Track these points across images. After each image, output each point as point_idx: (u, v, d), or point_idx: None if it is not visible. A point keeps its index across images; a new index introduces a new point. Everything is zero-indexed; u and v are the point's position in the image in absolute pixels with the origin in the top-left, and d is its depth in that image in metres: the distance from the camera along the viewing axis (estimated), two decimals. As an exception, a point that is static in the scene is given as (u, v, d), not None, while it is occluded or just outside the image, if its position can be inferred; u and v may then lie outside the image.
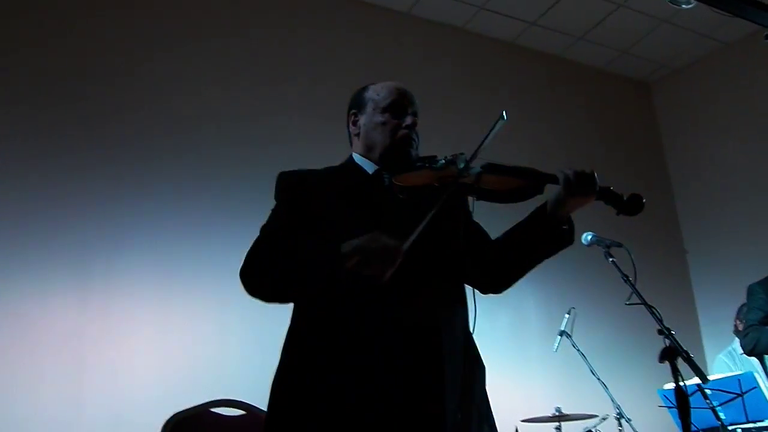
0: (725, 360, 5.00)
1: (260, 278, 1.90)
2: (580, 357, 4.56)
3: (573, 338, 4.66)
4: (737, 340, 5.08)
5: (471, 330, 1.98)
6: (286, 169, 2.12)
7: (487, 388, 1.95)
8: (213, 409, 2.82)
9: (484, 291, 2.08)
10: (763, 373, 4.44)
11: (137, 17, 5.01)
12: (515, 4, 6.18)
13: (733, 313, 5.29)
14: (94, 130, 4.55)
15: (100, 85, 4.66)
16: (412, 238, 1.74)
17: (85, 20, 4.81)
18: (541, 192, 1.92)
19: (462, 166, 1.90)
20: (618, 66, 7.14)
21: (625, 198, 1.88)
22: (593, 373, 4.47)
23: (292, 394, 1.81)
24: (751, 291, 4.05)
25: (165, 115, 4.81)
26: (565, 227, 1.93)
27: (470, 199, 2.03)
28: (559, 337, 4.75)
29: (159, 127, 4.77)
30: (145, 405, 4.00)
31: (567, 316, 4.76)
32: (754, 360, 4.54)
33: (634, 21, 6.43)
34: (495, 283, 2.08)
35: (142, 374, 4.20)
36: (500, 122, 1.82)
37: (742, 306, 5.08)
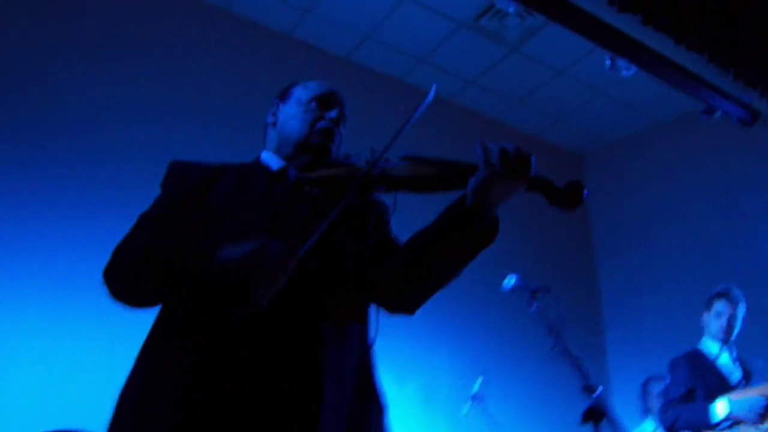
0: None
1: (124, 281, 1.64)
2: (491, 424, 4.30)
3: (486, 402, 4.40)
4: (648, 419, 4.92)
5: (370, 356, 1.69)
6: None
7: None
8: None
9: (391, 309, 1.78)
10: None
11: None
12: (454, 59, 6.07)
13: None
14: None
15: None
16: (306, 246, 1.46)
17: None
18: (464, 185, 1.60)
19: (376, 156, 1.65)
20: (552, 134, 7.10)
21: (561, 187, 1.55)
22: (504, 442, 4.21)
23: (136, 421, 1.49)
24: (674, 365, 3.88)
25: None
26: (487, 222, 1.61)
27: (387, 198, 1.76)
28: (470, 401, 4.49)
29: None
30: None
31: (480, 378, 4.52)
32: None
33: (571, 91, 6.41)
34: (402, 298, 1.77)
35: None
36: (426, 103, 1.58)
37: (647, 381, 4.94)
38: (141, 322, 1.71)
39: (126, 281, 1.63)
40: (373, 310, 1.75)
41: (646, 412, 5.02)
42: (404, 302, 1.78)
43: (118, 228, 1.76)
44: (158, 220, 1.71)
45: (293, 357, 1.51)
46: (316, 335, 1.55)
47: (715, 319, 3.89)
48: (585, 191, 1.53)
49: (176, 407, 1.45)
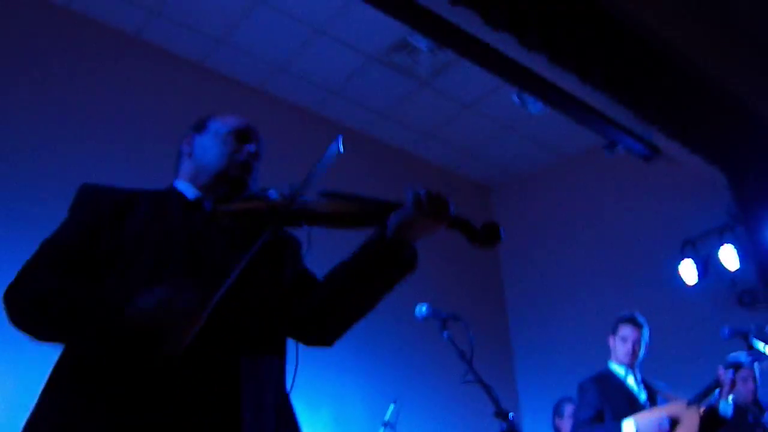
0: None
1: (23, 318, 1.56)
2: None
3: (398, 429, 4.40)
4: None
5: (288, 389, 1.68)
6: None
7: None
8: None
9: (308, 342, 1.79)
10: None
11: None
12: (366, 92, 6.15)
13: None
14: None
15: None
16: (221, 291, 1.45)
17: None
18: (383, 222, 1.67)
19: (294, 191, 1.66)
20: (461, 167, 7.26)
21: (479, 227, 1.67)
22: (416, 472, 4.21)
23: None
24: (582, 388, 3.97)
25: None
26: (407, 252, 1.68)
27: (304, 231, 1.77)
28: (383, 428, 4.48)
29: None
30: None
31: (392, 405, 4.52)
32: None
33: (481, 125, 6.59)
34: (320, 331, 1.79)
35: None
36: (334, 151, 1.62)
37: (560, 402, 5.07)
38: (46, 351, 1.65)
39: (25, 319, 1.56)
40: (291, 343, 1.75)
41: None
42: (323, 335, 1.80)
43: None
44: (63, 249, 1.64)
45: (211, 391, 1.49)
46: (233, 369, 1.53)
47: (620, 343, 4.02)
48: (501, 231, 1.66)
49: None
